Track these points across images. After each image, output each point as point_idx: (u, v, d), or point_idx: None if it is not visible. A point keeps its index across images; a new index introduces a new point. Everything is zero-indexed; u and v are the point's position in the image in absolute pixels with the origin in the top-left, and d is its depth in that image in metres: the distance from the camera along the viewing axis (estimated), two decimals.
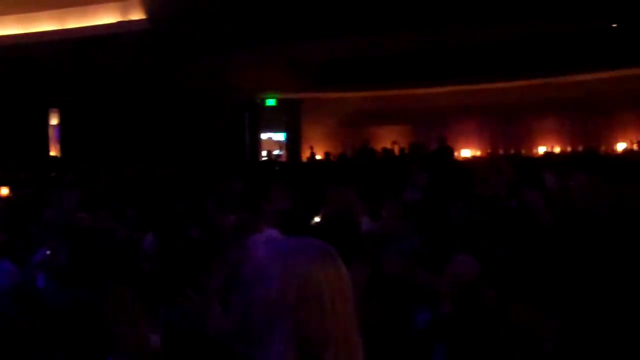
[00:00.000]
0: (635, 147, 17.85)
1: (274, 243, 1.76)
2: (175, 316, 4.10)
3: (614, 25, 15.94)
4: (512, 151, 21.67)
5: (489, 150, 22.81)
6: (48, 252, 6.38)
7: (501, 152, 22.27)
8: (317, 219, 7.05)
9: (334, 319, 1.66)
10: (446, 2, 14.31)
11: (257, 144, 23.02)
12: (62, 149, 22.43)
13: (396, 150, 18.02)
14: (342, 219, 5.11)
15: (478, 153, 22.47)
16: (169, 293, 4.82)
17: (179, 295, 4.58)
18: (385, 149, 18.66)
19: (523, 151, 21.65)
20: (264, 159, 22.25)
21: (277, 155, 22.21)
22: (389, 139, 19.97)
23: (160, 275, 5.64)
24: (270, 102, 23.52)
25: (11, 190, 12.77)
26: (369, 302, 4.71)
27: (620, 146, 20.69)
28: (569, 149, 21.91)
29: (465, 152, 22.08)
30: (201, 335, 4.03)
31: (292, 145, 23.97)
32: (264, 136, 23.96)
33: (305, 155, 22.21)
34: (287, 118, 24.35)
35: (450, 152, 17.46)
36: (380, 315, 4.81)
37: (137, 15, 15.20)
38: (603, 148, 21.18)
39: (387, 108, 23.08)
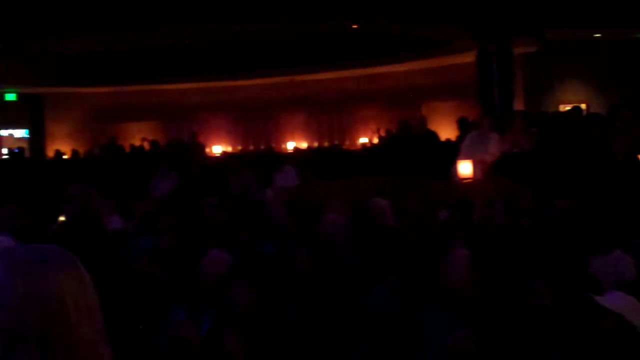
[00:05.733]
0: (375, 139, 18.90)
1: (7, 253, 1.60)
2: None
3: (355, 26, 16.75)
4: (262, 147, 22.04)
5: (239, 147, 23.07)
6: None
7: (252, 147, 22.61)
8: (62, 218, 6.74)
9: (81, 328, 1.55)
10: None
11: None
12: None
13: (146, 146, 17.72)
14: (84, 217, 4.90)
15: (229, 149, 22.63)
16: None
17: None
18: (133, 146, 18.29)
19: (274, 146, 22.12)
20: (4, 157, 20.96)
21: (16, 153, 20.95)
22: (138, 136, 19.58)
23: None
24: (10, 96, 22.22)
25: None
26: (122, 303, 4.58)
27: (362, 141, 21.77)
28: (316, 144, 22.72)
29: (217, 149, 22.15)
30: None
31: (36, 142, 22.81)
32: (4, 133, 22.62)
33: (51, 153, 21.21)
34: (30, 114, 23.15)
35: (202, 148, 17.50)
36: (135, 314, 4.69)
37: None
38: (347, 143, 22.23)
39: (136, 103, 22.62)
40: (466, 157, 9.79)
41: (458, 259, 4.39)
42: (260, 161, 13.88)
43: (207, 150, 20.03)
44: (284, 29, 17.53)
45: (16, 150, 18.42)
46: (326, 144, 22.19)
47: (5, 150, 21.34)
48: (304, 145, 22.48)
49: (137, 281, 5.41)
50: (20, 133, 23.21)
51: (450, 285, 4.29)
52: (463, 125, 11.86)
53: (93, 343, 1.58)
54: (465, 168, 9.59)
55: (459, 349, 3.90)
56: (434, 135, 11.22)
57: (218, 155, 20.87)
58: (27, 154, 19.00)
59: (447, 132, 14.52)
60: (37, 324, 1.51)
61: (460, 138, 11.46)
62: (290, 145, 22.35)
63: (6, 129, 22.64)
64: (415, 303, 4.59)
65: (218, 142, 22.68)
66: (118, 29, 15.53)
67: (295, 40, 19.32)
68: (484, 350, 3.92)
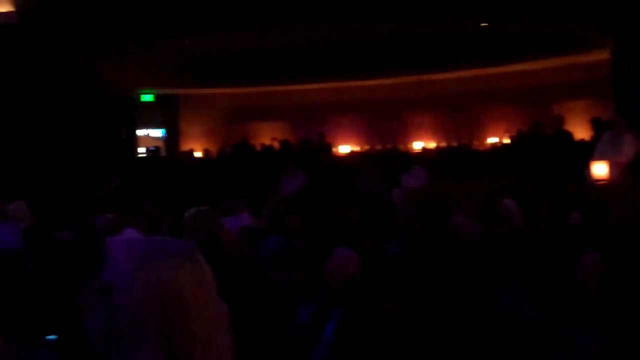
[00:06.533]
0: (505, 138, 18.55)
1: (132, 244, 1.65)
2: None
3: (484, 24, 16.49)
4: (389, 146, 22.03)
5: (367, 146, 23.13)
6: None
7: (379, 147, 22.62)
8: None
9: (199, 320, 1.59)
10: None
11: (134, 141, 22.56)
12: None
13: (275, 146, 18.04)
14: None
15: (357, 149, 22.74)
16: (47, 298, 4.62)
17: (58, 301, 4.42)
18: (264, 145, 18.65)
19: (400, 146, 22.07)
20: (141, 155, 21.80)
21: (152, 152, 21.79)
22: (268, 135, 19.95)
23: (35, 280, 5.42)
24: (147, 97, 23.08)
25: None
26: (250, 301, 4.69)
27: (492, 141, 21.43)
28: (443, 144, 22.51)
29: (344, 148, 22.31)
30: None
31: (171, 142, 23.62)
32: (141, 133, 23.49)
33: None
34: (165, 114, 23.99)
35: (329, 147, 17.66)
36: (262, 313, 4.79)
37: (5, 7, 14.65)
38: (476, 143, 21.92)
39: (266, 104, 23.06)
40: (600, 158, 9.49)
41: (591, 262, 4.28)
42: (387, 161, 13.89)
43: (335, 150, 20.19)
44: (414, 27, 17.45)
45: (152, 149, 19.14)
46: (454, 143, 21.94)
47: (142, 150, 22.18)
48: (431, 145, 22.31)
49: (265, 279, 5.51)
50: (157, 133, 24.05)
51: (582, 289, 4.18)
52: (597, 125, 11.50)
53: (212, 336, 1.61)
54: (600, 169, 9.29)
55: (591, 354, 3.80)
56: (567, 135, 10.92)
57: (346, 155, 21.00)
58: (162, 153, 19.70)
59: (580, 132, 14.09)
60: (158, 315, 1.54)
61: (594, 138, 11.12)
62: (417, 145, 22.22)
63: (143, 128, 23.50)
64: (546, 307, 4.49)
65: (346, 142, 22.84)
66: (248, 29, 15.88)
67: (423, 39, 19.20)
68: (616, 355, 3.80)
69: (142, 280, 1.57)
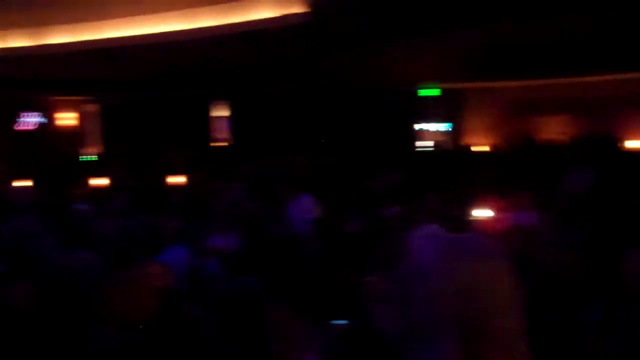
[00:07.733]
0: None
1: (434, 239, 1.69)
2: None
3: None
4: None
5: None
6: (220, 239, 6.67)
7: None
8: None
9: (497, 319, 1.58)
10: None
11: (418, 135, 22.97)
12: (232, 141, 23.47)
13: (563, 141, 17.50)
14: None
15: None
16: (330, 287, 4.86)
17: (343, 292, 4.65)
18: (549, 140, 18.16)
19: None
20: (427, 149, 22.11)
21: (438, 145, 22.00)
22: (554, 130, 19.37)
23: (319, 267, 5.72)
24: (433, 92, 23.36)
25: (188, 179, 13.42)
26: (536, 300, 4.63)
27: None
28: None
29: (632, 143, 20.99)
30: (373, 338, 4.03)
31: (455, 135, 23.73)
32: (425, 127, 23.82)
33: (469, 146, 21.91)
34: (450, 108, 24.11)
35: (616, 142, 16.79)
36: (549, 313, 4.72)
37: (297, 8, 15.46)
38: None
39: (551, 97, 22.31)
40: None
41: None
42: None
43: (626, 145, 19.15)
44: None
45: (438, 143, 19.40)
46: None
47: (428, 143, 22.50)
48: None
49: (547, 278, 5.39)
50: (442, 127, 24.25)
51: None
52: None
53: (511, 331, 1.59)
54: None
55: None
56: None
57: (635, 149, 19.80)
58: (447, 146, 19.88)
59: None
60: (456, 310, 1.56)
61: None
62: None
63: (428, 122, 23.83)
64: None
65: (633, 137, 21.51)
66: (540, 19, 15.46)
67: None
68: None
69: (444, 274, 1.59)
